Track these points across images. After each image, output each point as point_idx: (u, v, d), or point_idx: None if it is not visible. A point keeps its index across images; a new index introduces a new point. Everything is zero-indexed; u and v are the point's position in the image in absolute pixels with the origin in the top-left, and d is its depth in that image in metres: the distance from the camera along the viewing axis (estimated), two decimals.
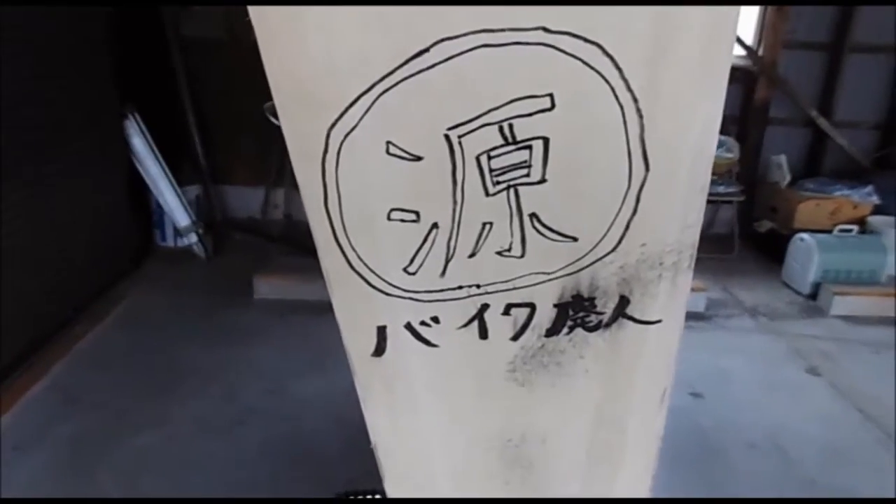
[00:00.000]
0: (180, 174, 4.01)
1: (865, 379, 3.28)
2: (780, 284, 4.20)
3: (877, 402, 3.10)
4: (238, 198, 4.44)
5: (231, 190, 4.43)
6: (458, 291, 0.65)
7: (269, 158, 4.31)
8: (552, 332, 0.69)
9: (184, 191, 4.05)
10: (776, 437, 2.80)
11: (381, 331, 0.66)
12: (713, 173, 3.92)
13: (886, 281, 3.97)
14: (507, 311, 0.67)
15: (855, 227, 4.12)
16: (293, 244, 4.17)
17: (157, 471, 2.54)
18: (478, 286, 0.65)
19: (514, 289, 0.65)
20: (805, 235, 4.08)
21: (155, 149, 3.89)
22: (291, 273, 3.69)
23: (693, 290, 3.90)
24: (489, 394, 0.74)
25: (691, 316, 3.69)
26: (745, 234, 4.64)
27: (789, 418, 2.94)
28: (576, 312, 0.68)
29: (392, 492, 0.79)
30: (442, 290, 0.65)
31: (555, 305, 0.67)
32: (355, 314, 0.64)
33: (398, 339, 0.67)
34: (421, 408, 0.74)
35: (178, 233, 4.05)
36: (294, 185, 4.44)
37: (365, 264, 0.61)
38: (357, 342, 0.67)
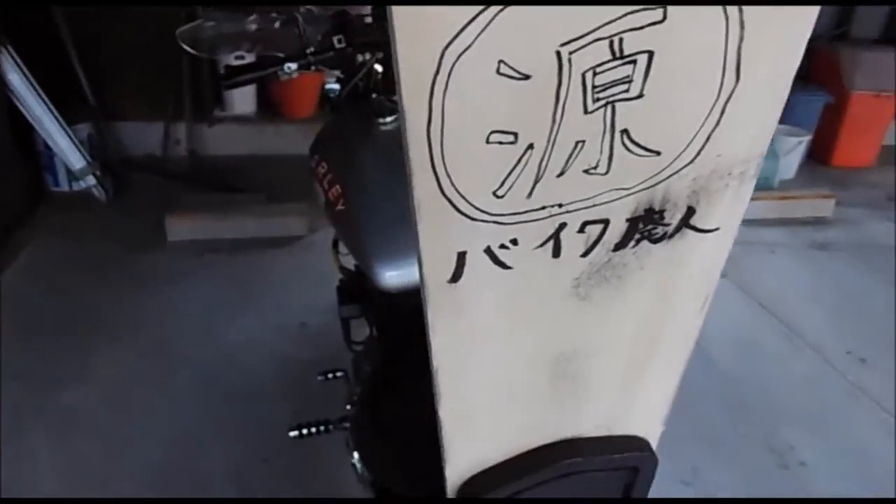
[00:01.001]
0: (68, 112, 3.70)
1: (765, 277, 3.57)
2: None
3: (777, 297, 3.38)
4: (134, 135, 4.17)
5: (125, 126, 4.14)
6: (540, 212, 0.65)
7: (167, 91, 4.05)
8: (620, 245, 0.71)
9: (73, 130, 3.75)
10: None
11: (461, 257, 0.65)
12: None
13: (779, 185, 4.27)
14: (581, 229, 0.68)
15: None
16: (202, 181, 3.99)
17: (89, 427, 2.45)
18: (560, 205, 0.65)
19: (594, 206, 0.66)
20: None
21: (36, 85, 3.56)
22: (205, 211, 3.54)
23: None
24: (552, 311, 0.76)
25: None
26: None
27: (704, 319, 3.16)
28: (645, 226, 0.70)
29: (445, 414, 0.80)
30: (525, 212, 0.65)
31: (627, 220, 0.69)
32: (438, 241, 0.63)
33: (475, 263, 0.67)
34: (486, 329, 0.74)
35: (72, 176, 3.77)
36: (196, 118, 4.26)
37: (456, 190, 0.60)
38: (435, 269, 0.66)
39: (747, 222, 3.40)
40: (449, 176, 0.59)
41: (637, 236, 0.71)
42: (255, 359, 2.78)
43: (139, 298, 3.07)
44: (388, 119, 1.85)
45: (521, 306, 0.74)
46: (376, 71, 1.93)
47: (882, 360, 2.95)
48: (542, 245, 0.68)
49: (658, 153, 0.63)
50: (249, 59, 2.36)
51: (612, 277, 0.74)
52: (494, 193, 0.62)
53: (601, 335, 0.81)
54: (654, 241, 0.72)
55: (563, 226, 0.67)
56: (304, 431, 1.91)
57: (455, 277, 0.67)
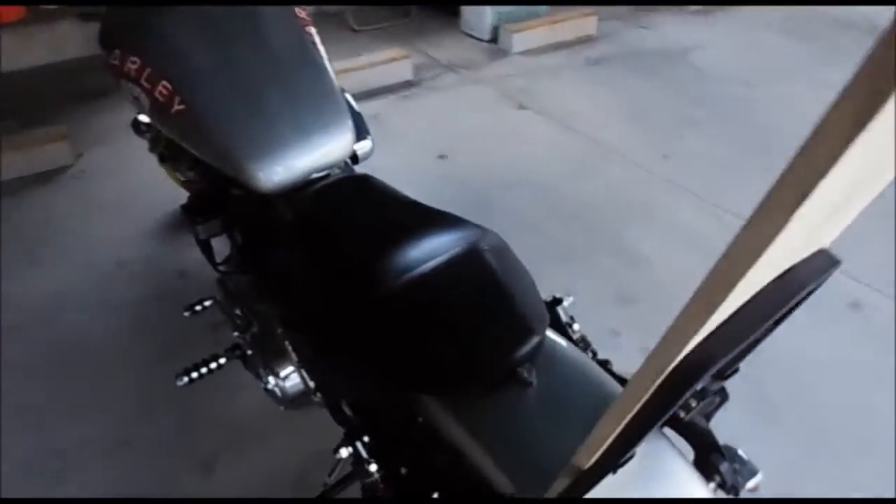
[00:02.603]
0: None
1: (561, 100, 3.68)
2: (462, 35, 4.36)
3: (577, 115, 3.51)
4: None
5: None
6: None
7: None
8: None
9: None
10: (523, 173, 3.05)
11: None
12: None
13: (546, 11, 4.35)
14: None
15: None
16: None
17: None
18: None
19: None
20: None
21: None
22: None
23: (396, 59, 3.86)
24: None
25: (404, 86, 3.69)
26: None
27: (524, 151, 3.21)
28: None
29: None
30: None
31: None
32: None
33: None
34: None
35: None
36: None
37: None
38: None
39: (526, 52, 3.50)
40: None
41: None
42: (80, 314, 2.33)
43: None
44: None
45: None
46: None
47: (680, 153, 3.22)
48: None
49: None
50: None
51: None
52: None
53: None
54: None
55: None
56: (195, 375, 1.64)
57: None
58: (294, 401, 1.49)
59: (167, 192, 2.63)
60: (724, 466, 0.98)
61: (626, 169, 3.15)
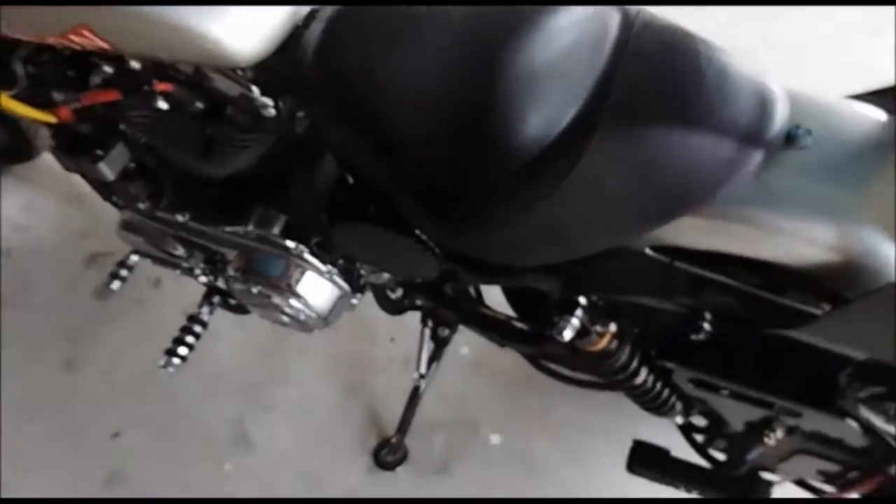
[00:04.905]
0: None
1: None
2: None
3: None
4: None
5: None
6: None
7: None
8: None
9: None
10: None
11: None
12: None
13: None
14: None
15: None
16: None
17: None
18: None
19: None
20: None
21: None
22: None
23: None
24: None
25: None
26: None
27: None
28: None
29: None
30: None
31: None
32: None
33: None
34: None
35: None
36: None
37: None
38: None
39: None
40: None
41: None
42: None
43: None
44: None
45: None
46: None
47: None
48: None
49: None
50: None
51: None
52: None
53: None
54: None
55: None
56: (183, 352, 1.25)
57: None
58: (328, 317, 1.15)
59: None
60: None
61: None
